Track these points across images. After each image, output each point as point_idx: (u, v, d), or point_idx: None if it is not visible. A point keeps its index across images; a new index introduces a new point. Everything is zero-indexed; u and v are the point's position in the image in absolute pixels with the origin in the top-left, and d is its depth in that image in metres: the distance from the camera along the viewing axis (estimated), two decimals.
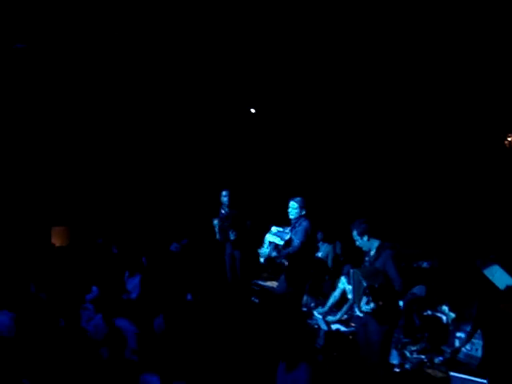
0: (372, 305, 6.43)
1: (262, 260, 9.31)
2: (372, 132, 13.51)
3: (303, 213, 8.65)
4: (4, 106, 12.33)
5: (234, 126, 14.67)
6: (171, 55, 12.52)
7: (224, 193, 10.65)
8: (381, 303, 6.42)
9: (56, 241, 12.59)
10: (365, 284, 6.46)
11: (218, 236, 10.68)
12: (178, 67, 12.96)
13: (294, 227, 8.77)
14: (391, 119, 13.07)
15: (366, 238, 6.78)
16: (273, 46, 12.02)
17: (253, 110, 14.60)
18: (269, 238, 9.16)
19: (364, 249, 6.91)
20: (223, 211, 10.67)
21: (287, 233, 9.06)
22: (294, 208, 8.67)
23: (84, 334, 6.53)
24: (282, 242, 8.92)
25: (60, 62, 12.16)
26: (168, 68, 12.97)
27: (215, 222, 10.67)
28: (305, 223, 8.67)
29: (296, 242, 8.62)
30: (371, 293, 6.44)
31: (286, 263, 8.98)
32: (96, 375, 5.61)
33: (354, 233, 6.84)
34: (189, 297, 8.86)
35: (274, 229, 9.20)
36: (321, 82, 13.03)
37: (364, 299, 6.49)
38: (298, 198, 8.74)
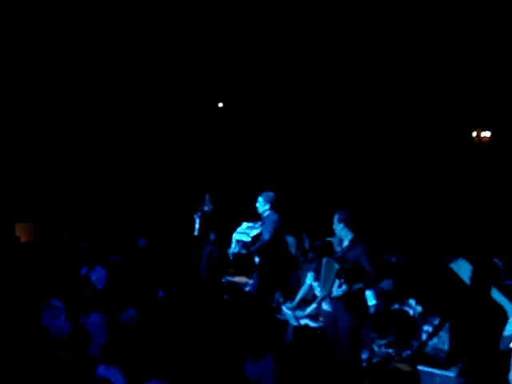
0: (344, 287, 6.44)
1: (231, 258, 9.37)
2: (341, 126, 13.53)
3: (267, 207, 8.74)
4: None
5: (207, 123, 14.54)
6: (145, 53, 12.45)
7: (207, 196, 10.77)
8: (354, 285, 6.44)
9: (20, 237, 12.35)
10: (337, 266, 6.46)
11: (196, 232, 10.70)
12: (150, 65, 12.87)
13: (263, 222, 8.81)
14: (363, 113, 13.12)
15: (341, 226, 6.79)
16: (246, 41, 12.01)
17: (220, 104, 14.51)
18: (236, 236, 9.16)
19: (336, 235, 6.95)
20: (201, 210, 10.69)
21: (256, 228, 9.05)
22: (260, 202, 8.79)
23: (45, 332, 6.40)
24: (249, 239, 8.94)
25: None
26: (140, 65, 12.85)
27: (196, 217, 10.74)
28: (273, 217, 8.70)
29: (265, 235, 8.64)
30: (344, 274, 6.44)
31: (258, 260, 9.00)
32: (55, 373, 5.50)
33: (335, 217, 6.85)
34: (160, 293, 8.78)
35: (243, 225, 9.18)
36: (290, 73, 13.03)
37: (336, 282, 6.50)
38: (265, 193, 8.81)
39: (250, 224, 9.27)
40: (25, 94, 12.71)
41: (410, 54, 11.26)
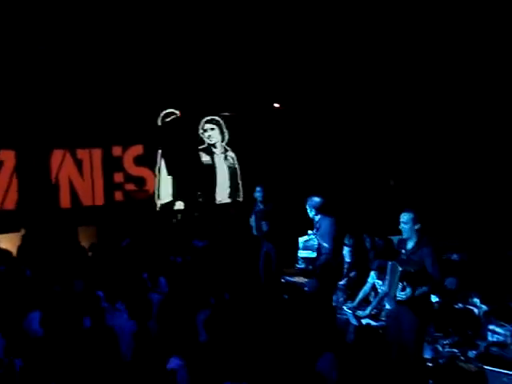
0: (408, 291, 6.38)
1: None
2: (400, 119, 13.39)
3: (314, 212, 8.84)
4: None
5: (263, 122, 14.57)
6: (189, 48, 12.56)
7: (258, 188, 10.71)
8: (418, 289, 6.38)
9: (83, 241, 12.54)
10: (400, 269, 6.40)
11: (253, 231, 10.72)
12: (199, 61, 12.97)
13: (316, 228, 8.81)
14: (400, 114, 12.97)
15: (408, 226, 6.76)
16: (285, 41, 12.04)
17: (277, 105, 14.53)
18: (301, 254, 9.16)
19: (403, 235, 6.86)
20: (257, 207, 10.71)
21: (313, 238, 9.04)
22: (308, 210, 8.81)
23: (111, 333, 6.51)
24: (314, 254, 8.92)
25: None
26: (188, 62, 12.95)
27: (252, 218, 10.76)
28: (326, 222, 8.68)
29: (325, 247, 8.64)
30: (407, 278, 6.38)
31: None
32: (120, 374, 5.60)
33: (402, 218, 6.82)
34: (227, 296, 8.83)
35: (300, 241, 9.16)
36: (346, 75, 12.98)
37: (400, 286, 6.43)
38: (308, 199, 8.85)
39: (306, 237, 9.26)
40: None
41: (434, 44, 11.11)
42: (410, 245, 6.85)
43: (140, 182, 13.71)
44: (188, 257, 11.03)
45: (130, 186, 13.58)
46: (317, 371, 5.85)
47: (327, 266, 8.90)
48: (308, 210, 8.88)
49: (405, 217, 6.82)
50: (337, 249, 8.98)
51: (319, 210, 8.83)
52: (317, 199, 8.89)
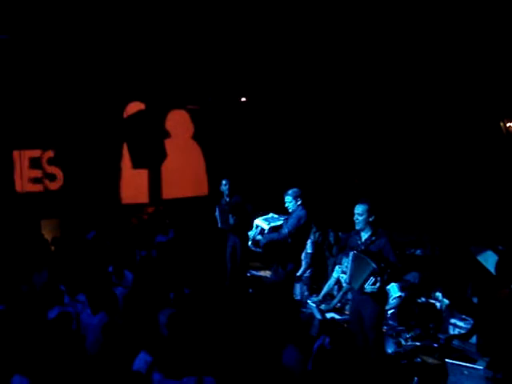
0: (378, 285, 6.49)
1: (249, 243, 9.35)
2: (364, 118, 13.45)
3: (299, 202, 8.69)
4: None
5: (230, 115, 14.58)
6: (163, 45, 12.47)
7: (224, 182, 10.66)
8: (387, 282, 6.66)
9: (46, 234, 12.40)
10: (374, 265, 6.49)
11: (219, 224, 10.64)
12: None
13: (289, 216, 8.82)
14: (384, 106, 13.03)
15: (362, 218, 6.83)
16: (265, 36, 12.00)
17: (243, 99, 14.55)
18: (257, 221, 9.17)
19: (357, 227, 6.93)
20: (224, 201, 10.66)
21: (280, 220, 9.05)
22: (289, 201, 8.74)
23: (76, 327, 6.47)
24: (267, 227, 8.92)
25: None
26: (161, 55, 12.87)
27: (216, 211, 10.66)
28: (300, 212, 8.67)
29: (284, 230, 8.64)
30: (381, 273, 6.48)
31: (258, 249, 9.04)
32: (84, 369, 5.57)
33: (356, 209, 6.87)
34: (186, 291, 8.78)
35: (269, 215, 9.18)
36: (313, 69, 12.99)
37: (371, 280, 6.52)
38: (291, 191, 8.75)
39: (276, 215, 9.28)
40: None
41: (436, 42, 11.15)
42: (364, 236, 6.92)
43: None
44: (153, 251, 10.95)
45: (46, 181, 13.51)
46: (281, 364, 5.88)
47: (271, 245, 8.88)
48: (288, 202, 8.78)
49: (360, 208, 6.88)
50: (299, 242, 8.98)
51: (301, 198, 8.78)
52: (297, 189, 8.85)
